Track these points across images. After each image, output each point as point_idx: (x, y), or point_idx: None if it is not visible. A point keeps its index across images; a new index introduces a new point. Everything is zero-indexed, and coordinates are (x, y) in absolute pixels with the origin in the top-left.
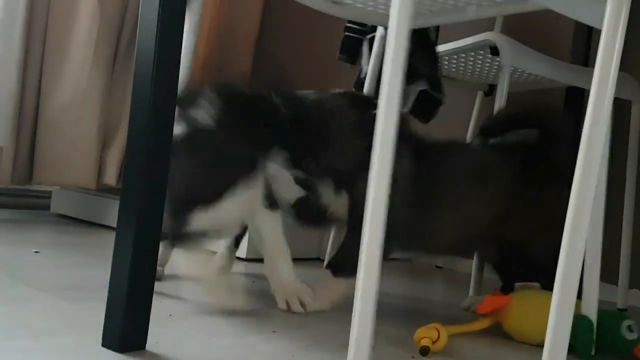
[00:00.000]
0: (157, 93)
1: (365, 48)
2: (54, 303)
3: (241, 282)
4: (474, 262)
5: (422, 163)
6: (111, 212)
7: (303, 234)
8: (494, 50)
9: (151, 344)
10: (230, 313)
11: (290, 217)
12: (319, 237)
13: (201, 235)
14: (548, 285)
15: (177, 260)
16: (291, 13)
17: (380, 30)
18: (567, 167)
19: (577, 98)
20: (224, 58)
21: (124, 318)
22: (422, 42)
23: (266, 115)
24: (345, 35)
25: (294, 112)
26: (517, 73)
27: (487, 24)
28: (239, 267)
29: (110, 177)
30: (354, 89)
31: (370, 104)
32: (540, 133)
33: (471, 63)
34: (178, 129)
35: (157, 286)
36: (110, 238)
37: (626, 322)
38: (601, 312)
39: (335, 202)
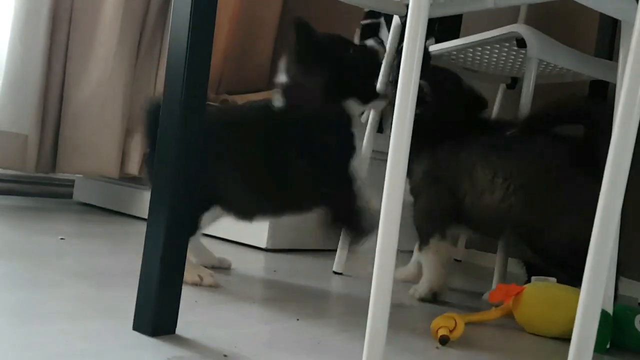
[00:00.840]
0: (189, 83)
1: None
2: (83, 289)
3: (262, 272)
4: (498, 255)
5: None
6: (134, 201)
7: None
8: (521, 43)
9: (180, 329)
10: (254, 301)
11: None
12: None
13: None
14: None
15: None
16: (312, 1)
17: (395, 19)
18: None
19: (600, 91)
20: (246, 46)
21: (155, 303)
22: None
23: None
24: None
25: None
26: (542, 66)
27: (510, 17)
28: (259, 258)
29: (133, 166)
30: None
31: None
32: (585, 127)
33: (495, 55)
34: None
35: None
36: (133, 226)
37: None
38: (616, 306)
39: None
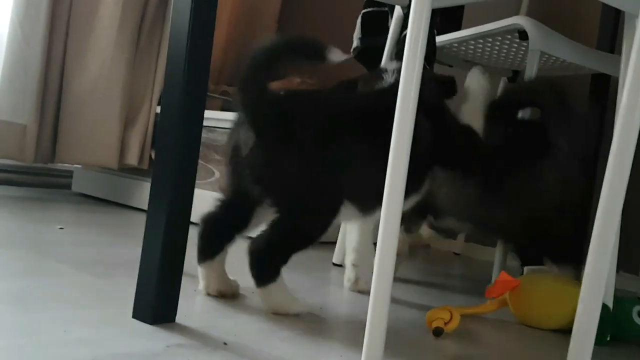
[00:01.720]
0: (190, 75)
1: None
2: (83, 278)
3: None
4: (497, 248)
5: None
6: (132, 192)
7: None
8: (523, 35)
9: (180, 317)
10: (253, 291)
11: None
12: None
13: None
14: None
15: None
16: None
17: (397, 10)
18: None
19: (602, 85)
20: (246, 37)
21: (155, 291)
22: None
23: None
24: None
25: None
26: (544, 58)
27: (512, 9)
28: None
29: (132, 156)
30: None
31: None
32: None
33: (497, 48)
34: None
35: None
36: (132, 217)
37: (637, 308)
38: (614, 298)
39: None
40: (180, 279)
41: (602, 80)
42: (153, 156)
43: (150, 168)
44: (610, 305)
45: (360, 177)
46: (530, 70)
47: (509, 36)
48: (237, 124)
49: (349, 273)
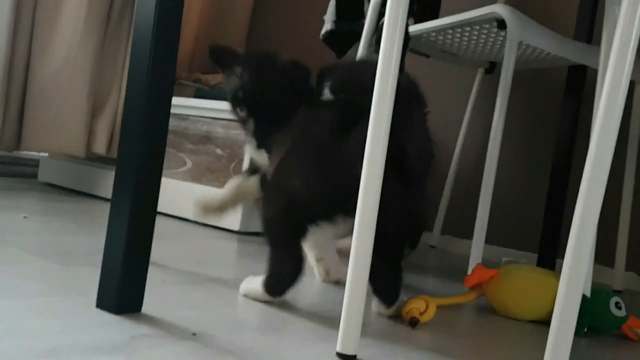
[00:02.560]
0: (156, 62)
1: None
2: (45, 266)
3: (234, 253)
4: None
5: None
6: (100, 181)
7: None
8: (501, 24)
9: (147, 308)
10: (224, 282)
11: None
12: None
13: None
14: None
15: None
16: None
17: None
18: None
19: (578, 78)
20: (220, 24)
21: (120, 280)
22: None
23: None
24: None
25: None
26: (521, 49)
27: None
28: (231, 240)
29: (100, 145)
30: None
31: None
32: None
33: (475, 37)
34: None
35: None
36: (98, 206)
37: (614, 300)
38: (591, 291)
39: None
40: (146, 269)
41: (579, 72)
42: None
43: None
44: (589, 295)
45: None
46: (508, 60)
47: (487, 25)
48: None
49: (317, 268)
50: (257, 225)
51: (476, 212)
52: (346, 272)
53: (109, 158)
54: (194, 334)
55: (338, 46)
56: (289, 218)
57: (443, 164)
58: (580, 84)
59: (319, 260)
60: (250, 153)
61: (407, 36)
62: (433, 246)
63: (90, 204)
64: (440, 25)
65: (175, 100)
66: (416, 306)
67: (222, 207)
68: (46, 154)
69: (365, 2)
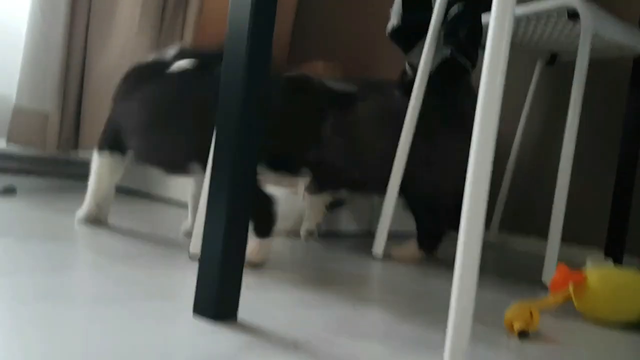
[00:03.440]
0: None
1: None
2: (125, 271)
3: (298, 254)
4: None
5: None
6: (157, 180)
7: (354, 209)
8: (573, 15)
9: (240, 314)
10: (301, 284)
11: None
12: (370, 212)
13: None
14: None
15: None
16: None
17: None
18: None
19: None
20: None
21: (218, 285)
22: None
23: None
24: None
25: None
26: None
27: None
28: (291, 240)
29: None
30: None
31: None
32: None
33: (540, 28)
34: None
35: None
36: (158, 206)
37: None
38: None
39: None
40: (242, 274)
41: None
42: None
43: None
44: None
45: None
46: (583, 52)
47: (556, 15)
48: None
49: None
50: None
51: (536, 207)
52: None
53: None
54: (295, 342)
55: (405, 42)
56: None
57: (500, 158)
58: None
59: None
60: None
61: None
62: (490, 243)
63: (148, 203)
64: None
65: None
66: (521, 316)
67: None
68: None
69: None
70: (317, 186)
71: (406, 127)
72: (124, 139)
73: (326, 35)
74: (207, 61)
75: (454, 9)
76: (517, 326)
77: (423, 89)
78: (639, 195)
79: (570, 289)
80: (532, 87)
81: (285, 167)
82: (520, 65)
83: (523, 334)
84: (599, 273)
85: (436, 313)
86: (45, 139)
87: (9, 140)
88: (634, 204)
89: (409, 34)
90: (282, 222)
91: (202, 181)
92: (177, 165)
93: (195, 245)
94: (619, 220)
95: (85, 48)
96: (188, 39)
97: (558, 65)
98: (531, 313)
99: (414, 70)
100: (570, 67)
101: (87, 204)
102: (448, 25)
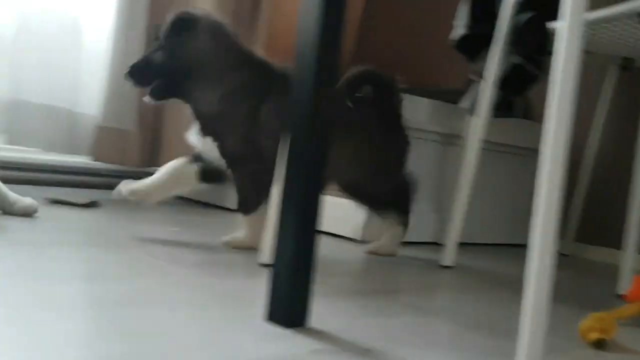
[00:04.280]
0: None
1: None
2: (204, 279)
3: (360, 263)
4: (623, 250)
5: None
6: (228, 194)
7: (420, 218)
8: None
9: (310, 321)
10: (367, 293)
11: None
12: (437, 222)
13: None
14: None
15: None
16: None
17: None
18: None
19: None
20: None
21: (289, 292)
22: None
23: None
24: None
25: None
26: None
27: None
28: (353, 249)
29: None
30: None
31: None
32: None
33: (612, 33)
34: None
35: None
36: (228, 218)
37: None
38: None
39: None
40: (313, 280)
41: None
42: None
43: None
44: None
45: None
46: None
47: (627, 19)
48: None
49: None
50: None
51: (612, 218)
52: None
53: None
54: (364, 349)
55: (471, 52)
56: None
57: (575, 168)
58: None
59: None
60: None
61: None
62: (565, 254)
63: (219, 215)
64: (590, 19)
65: None
66: (598, 326)
67: (150, 194)
68: None
69: (497, 2)
70: None
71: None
72: None
73: (388, 47)
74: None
75: (522, 17)
76: (593, 336)
77: (490, 97)
78: None
79: None
80: (606, 94)
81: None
82: (594, 71)
83: (599, 344)
84: None
85: (506, 322)
86: (126, 155)
87: (94, 157)
88: None
89: (475, 43)
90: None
91: None
92: None
93: (265, 255)
94: None
95: None
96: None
97: (635, 71)
98: (606, 323)
99: (480, 78)
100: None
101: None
102: (515, 33)
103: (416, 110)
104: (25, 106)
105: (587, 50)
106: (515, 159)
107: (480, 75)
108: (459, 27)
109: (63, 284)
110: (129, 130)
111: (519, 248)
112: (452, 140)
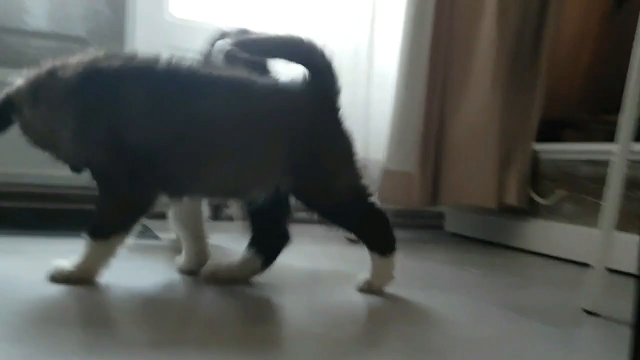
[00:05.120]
0: None
1: None
2: (532, 325)
3: None
4: None
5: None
6: (511, 232)
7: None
8: None
9: None
10: None
11: None
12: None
13: None
14: None
15: None
16: None
17: None
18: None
19: None
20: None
21: None
22: None
23: None
24: None
25: None
26: None
27: None
28: None
29: (511, 196)
30: None
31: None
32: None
33: None
34: None
35: None
36: (517, 258)
37: None
38: None
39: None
40: None
41: None
42: (533, 195)
43: (530, 207)
44: None
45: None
46: None
47: None
48: None
49: None
50: None
51: None
52: None
53: (519, 208)
54: None
55: None
56: None
57: None
58: None
59: None
60: None
61: None
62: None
63: (505, 255)
64: None
65: (588, 145)
66: None
67: None
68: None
69: None
70: None
71: None
72: None
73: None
74: None
75: None
76: None
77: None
78: None
79: None
80: None
81: None
82: None
83: None
84: None
85: None
86: (409, 196)
87: (380, 199)
88: None
89: None
90: None
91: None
92: None
93: (588, 301)
94: None
95: (441, 112)
96: (540, 87)
97: None
98: None
99: None
100: None
101: None
102: None
103: None
104: None
105: None
106: None
107: None
108: None
109: None
110: (411, 172)
111: None
112: None
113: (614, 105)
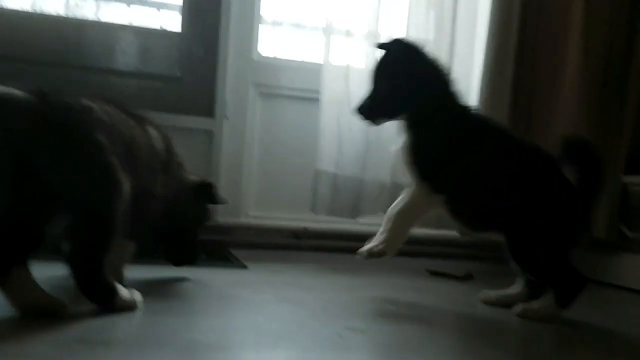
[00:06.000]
0: None
1: None
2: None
3: None
4: None
5: None
6: (602, 266)
7: None
8: None
9: None
10: None
11: None
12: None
13: None
14: None
15: None
16: None
17: None
18: None
19: None
20: None
21: None
22: None
23: None
24: None
25: None
26: None
27: None
28: None
29: (600, 229)
30: None
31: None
32: None
33: None
34: None
35: None
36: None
37: None
38: None
39: None
40: None
41: None
42: (623, 229)
43: (620, 241)
44: None
45: None
46: None
47: None
48: None
49: None
50: None
51: None
52: None
53: (610, 242)
54: None
55: None
56: None
57: None
58: None
59: None
60: None
61: None
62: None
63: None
64: None
65: None
66: None
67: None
68: None
69: None
70: None
71: None
72: None
73: None
74: None
75: None
76: None
77: None
78: None
79: None
80: None
81: None
82: None
83: None
84: None
85: None
86: None
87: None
88: None
89: None
90: None
91: None
92: None
93: None
94: None
95: (527, 132)
96: (629, 119)
97: None
98: None
99: None
100: None
101: None
102: None
103: None
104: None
105: None
106: None
107: None
108: None
109: None
110: None
111: None
112: None
113: None
